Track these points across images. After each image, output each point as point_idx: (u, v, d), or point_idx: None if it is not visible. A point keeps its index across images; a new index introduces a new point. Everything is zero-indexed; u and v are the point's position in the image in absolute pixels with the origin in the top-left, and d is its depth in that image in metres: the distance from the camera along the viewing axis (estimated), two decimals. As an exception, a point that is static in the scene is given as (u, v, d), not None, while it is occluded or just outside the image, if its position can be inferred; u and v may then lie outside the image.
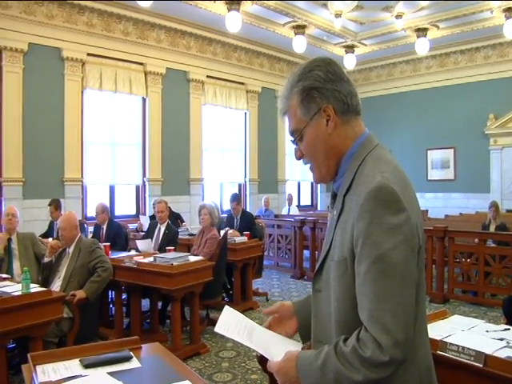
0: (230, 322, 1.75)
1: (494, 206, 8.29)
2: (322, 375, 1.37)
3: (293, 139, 1.64)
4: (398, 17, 10.56)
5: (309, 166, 1.66)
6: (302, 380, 1.43)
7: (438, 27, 11.25)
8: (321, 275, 1.57)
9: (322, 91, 1.52)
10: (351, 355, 1.33)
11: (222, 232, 6.87)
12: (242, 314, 1.83)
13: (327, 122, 1.53)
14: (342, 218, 1.48)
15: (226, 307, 1.83)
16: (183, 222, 9.45)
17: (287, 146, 13.60)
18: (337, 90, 1.52)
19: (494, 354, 2.30)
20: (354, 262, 1.39)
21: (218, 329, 1.72)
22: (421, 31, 11.31)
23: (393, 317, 1.30)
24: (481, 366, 2.27)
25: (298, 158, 1.67)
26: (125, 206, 10.39)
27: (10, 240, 5.51)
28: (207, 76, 11.46)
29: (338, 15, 10.33)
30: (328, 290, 1.51)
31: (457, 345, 2.40)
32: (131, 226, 8.82)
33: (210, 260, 6.09)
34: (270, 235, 10.19)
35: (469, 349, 2.34)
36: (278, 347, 1.64)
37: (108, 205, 7.89)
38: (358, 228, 1.37)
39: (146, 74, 10.26)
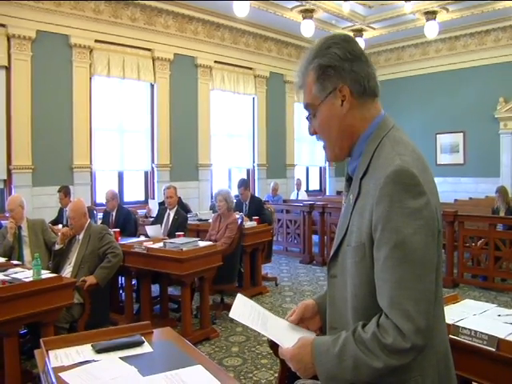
0: (244, 310, 1.74)
1: (500, 191, 8.22)
2: (340, 362, 1.35)
3: (307, 115, 1.61)
4: (407, 0, 10.43)
5: (322, 145, 1.63)
6: (317, 367, 1.41)
7: (447, 10, 11.10)
8: (336, 261, 1.54)
9: (339, 70, 1.48)
10: (371, 342, 1.31)
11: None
12: (254, 303, 1.82)
13: (342, 103, 1.50)
14: (359, 203, 1.45)
15: (239, 295, 1.82)
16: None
17: (296, 130, 13.60)
18: (354, 70, 1.48)
19: (507, 338, 2.29)
20: (373, 248, 1.37)
21: (232, 314, 1.71)
22: (430, 14, 11.17)
23: (414, 303, 1.29)
24: (494, 350, 2.26)
25: (311, 134, 1.64)
26: (134, 192, 10.40)
27: (20, 227, 5.51)
28: (215, 61, 11.41)
29: (346, -2, 10.25)
30: (344, 275, 1.49)
31: (469, 329, 2.39)
32: (140, 212, 8.85)
33: (231, 245, 6.13)
34: (279, 220, 10.20)
35: (481, 333, 2.33)
36: (292, 334, 1.63)
37: (117, 191, 7.91)
38: (377, 212, 1.34)
39: (153, 60, 10.21)
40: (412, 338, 1.27)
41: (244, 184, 8.13)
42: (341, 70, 1.48)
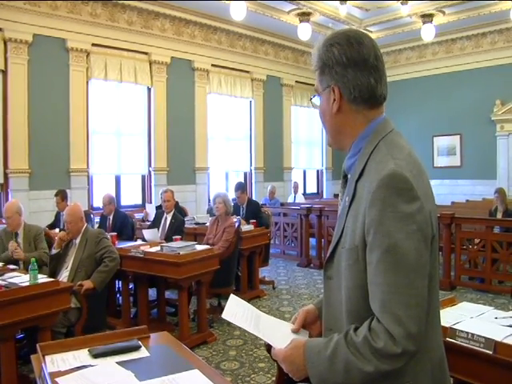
0: (237, 310, 1.75)
1: (498, 192, 8.24)
2: (332, 365, 1.35)
3: (315, 95, 1.64)
4: (404, 3, 10.44)
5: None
6: (309, 369, 1.41)
7: (443, 13, 11.14)
8: (332, 262, 1.54)
9: (331, 72, 1.49)
10: (362, 345, 1.31)
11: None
12: (247, 303, 1.82)
13: (334, 102, 1.51)
14: (354, 205, 1.44)
15: (232, 295, 1.84)
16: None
17: (293, 133, 13.64)
18: (346, 76, 1.47)
19: (504, 341, 2.28)
20: (366, 251, 1.37)
21: (225, 315, 1.71)
22: (426, 17, 11.22)
23: (406, 308, 1.28)
24: (490, 352, 2.26)
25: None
26: (131, 196, 10.39)
27: (16, 234, 5.47)
28: (212, 65, 11.41)
29: (343, 2, 10.25)
30: (339, 277, 1.48)
31: (466, 332, 2.38)
32: (137, 216, 8.82)
33: (228, 248, 6.12)
34: (276, 223, 10.19)
35: (478, 336, 2.33)
36: (285, 335, 1.63)
37: (114, 195, 7.90)
38: (370, 216, 1.34)
39: (150, 64, 10.21)
40: (403, 342, 1.26)
41: (241, 187, 8.11)
42: (333, 73, 1.49)
